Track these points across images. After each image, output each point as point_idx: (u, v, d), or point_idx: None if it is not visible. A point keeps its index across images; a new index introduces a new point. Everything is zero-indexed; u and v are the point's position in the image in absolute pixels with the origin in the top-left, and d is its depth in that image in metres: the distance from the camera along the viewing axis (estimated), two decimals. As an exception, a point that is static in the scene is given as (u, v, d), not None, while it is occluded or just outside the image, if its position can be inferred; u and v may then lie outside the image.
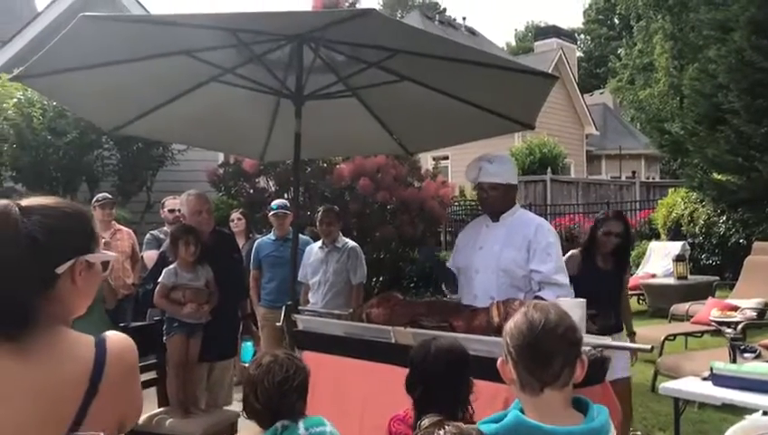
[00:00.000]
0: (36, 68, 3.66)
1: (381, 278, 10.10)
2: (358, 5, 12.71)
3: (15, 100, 8.81)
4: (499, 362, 1.75)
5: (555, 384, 1.65)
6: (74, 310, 1.55)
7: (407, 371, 3.03)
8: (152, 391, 4.47)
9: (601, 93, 34.20)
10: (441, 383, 2.40)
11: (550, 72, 21.78)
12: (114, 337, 1.50)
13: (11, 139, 8.76)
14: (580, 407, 1.72)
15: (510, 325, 1.72)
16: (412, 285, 10.82)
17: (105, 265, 1.57)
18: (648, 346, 2.74)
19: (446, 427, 1.74)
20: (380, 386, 3.16)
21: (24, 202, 1.48)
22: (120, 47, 3.65)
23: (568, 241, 15.47)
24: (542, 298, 3.24)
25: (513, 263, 3.49)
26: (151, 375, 4.49)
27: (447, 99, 4.35)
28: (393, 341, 3.17)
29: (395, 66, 4.15)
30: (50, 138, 8.88)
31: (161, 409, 4.36)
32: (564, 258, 3.79)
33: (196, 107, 4.49)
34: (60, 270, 1.46)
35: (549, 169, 18.25)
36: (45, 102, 8.74)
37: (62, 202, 1.56)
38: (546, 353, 1.65)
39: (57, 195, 8.72)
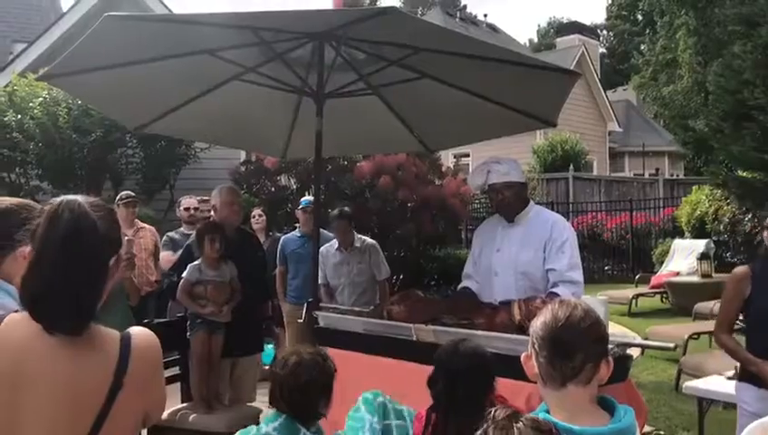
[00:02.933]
0: (62, 68, 3.71)
1: (402, 276, 10.08)
2: (379, 3, 12.72)
3: (41, 99, 8.93)
4: (523, 356, 1.74)
5: (577, 380, 1.63)
6: (101, 303, 1.59)
7: (429, 368, 3.04)
8: (176, 386, 4.52)
9: (624, 90, 33.83)
10: (464, 385, 2.38)
11: (572, 68, 21.65)
12: (139, 333, 1.54)
13: (37, 137, 8.88)
14: (606, 406, 1.70)
15: (536, 320, 1.72)
16: (433, 283, 10.80)
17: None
18: (671, 344, 2.72)
19: (523, 420, 1.74)
20: (402, 384, 3.17)
21: (83, 199, 1.54)
22: (144, 46, 3.69)
23: (590, 239, 15.39)
24: (556, 294, 3.22)
25: (530, 265, 3.46)
26: (175, 371, 4.54)
27: (469, 96, 4.35)
28: (414, 338, 3.17)
29: (416, 64, 4.15)
30: (75, 136, 8.99)
31: (184, 404, 4.40)
32: (732, 275, 3.16)
33: (219, 105, 4.52)
34: (111, 263, 1.54)
35: (571, 167, 18.11)
36: (71, 101, 8.84)
37: (99, 200, 1.63)
38: (568, 347, 1.64)
39: (82, 193, 8.83)
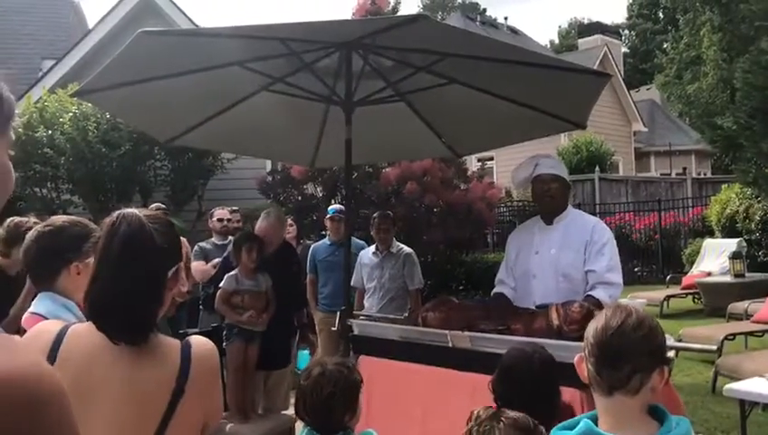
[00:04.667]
0: (95, 83, 3.76)
1: (430, 282, 10.07)
2: (399, 10, 12.73)
3: (71, 114, 9.06)
4: (576, 358, 1.72)
5: (624, 390, 1.59)
6: (162, 314, 1.62)
7: (465, 375, 3.03)
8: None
9: (648, 89, 33.52)
10: (540, 394, 2.29)
11: (595, 68, 21.45)
12: (198, 341, 1.57)
13: (67, 152, 9.01)
14: (658, 416, 1.64)
15: (591, 323, 1.69)
16: (461, 288, 10.76)
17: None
18: (714, 346, 2.68)
19: (504, 419, 1.71)
20: (439, 390, 3.17)
21: (142, 212, 1.57)
22: (175, 61, 3.73)
23: (618, 240, 15.22)
24: (593, 297, 3.20)
25: (571, 266, 3.44)
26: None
27: (498, 100, 4.33)
28: (450, 345, 3.16)
29: (443, 69, 4.15)
30: (104, 150, 9.11)
31: (220, 414, 4.43)
32: None
33: (249, 116, 4.56)
34: (170, 274, 1.56)
35: (597, 168, 17.97)
36: (99, 116, 8.97)
37: (160, 212, 1.65)
38: (615, 356, 1.60)
39: (111, 206, 8.88)
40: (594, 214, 15.68)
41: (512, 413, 1.77)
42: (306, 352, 5.42)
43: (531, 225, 3.86)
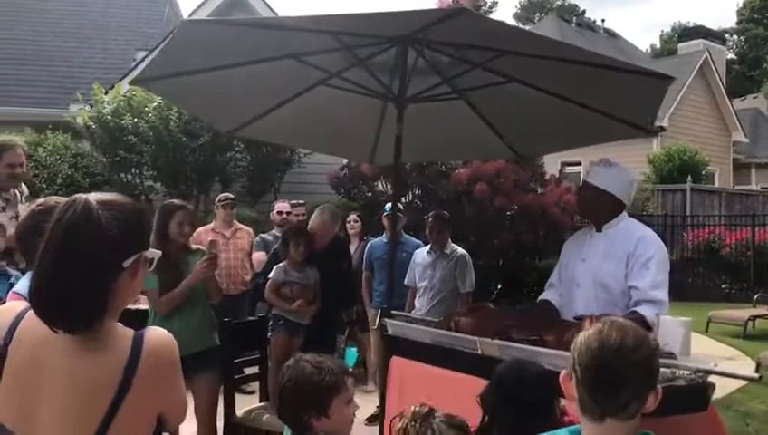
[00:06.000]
0: (151, 72, 3.85)
1: (500, 286, 9.87)
2: (495, 11, 12.54)
3: (156, 104, 9.41)
4: (563, 374, 1.59)
5: (620, 415, 1.48)
6: (124, 304, 1.60)
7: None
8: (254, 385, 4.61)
9: (755, 97, 31.74)
10: (533, 408, 2.20)
11: (693, 74, 20.46)
12: (154, 334, 1.53)
13: (151, 140, 9.36)
14: None
15: (581, 338, 1.56)
16: (532, 294, 10.48)
17: (152, 262, 1.61)
18: (756, 375, 2.45)
19: (439, 416, 1.65)
20: (466, 398, 3.06)
21: (97, 198, 1.54)
22: (230, 51, 3.77)
23: (707, 254, 14.51)
24: (638, 313, 3.02)
25: (610, 277, 3.27)
26: (254, 370, 4.63)
27: (559, 101, 4.16)
28: (480, 352, 3.05)
29: (502, 67, 4.02)
30: (185, 140, 9.41)
31: (261, 404, 4.47)
32: None
33: (306, 110, 4.56)
34: (126, 263, 1.52)
35: (689, 178, 17.15)
36: (182, 106, 9.26)
37: (127, 199, 1.63)
38: (615, 380, 1.48)
39: (191, 194, 9.11)
40: (683, 226, 15.06)
41: (445, 411, 1.73)
42: (354, 349, 5.41)
43: (585, 232, 3.70)
